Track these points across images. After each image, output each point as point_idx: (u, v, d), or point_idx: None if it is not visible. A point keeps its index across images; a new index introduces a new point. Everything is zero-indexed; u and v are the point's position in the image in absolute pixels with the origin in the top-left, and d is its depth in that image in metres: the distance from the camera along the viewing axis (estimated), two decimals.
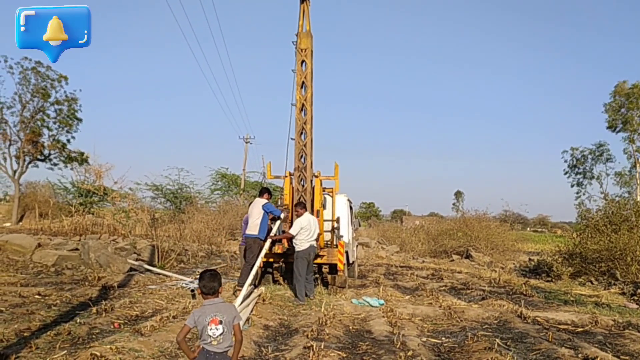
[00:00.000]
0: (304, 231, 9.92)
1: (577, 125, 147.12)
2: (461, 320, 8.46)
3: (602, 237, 15.55)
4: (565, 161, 50.47)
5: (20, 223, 29.87)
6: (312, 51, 11.62)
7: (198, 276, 3.98)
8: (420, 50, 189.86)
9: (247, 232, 10.23)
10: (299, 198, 11.12)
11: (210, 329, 3.73)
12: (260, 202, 10.35)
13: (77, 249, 14.36)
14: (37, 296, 8.95)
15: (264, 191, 10.75)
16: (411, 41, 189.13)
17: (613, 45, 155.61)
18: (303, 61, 11.55)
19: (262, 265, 11.15)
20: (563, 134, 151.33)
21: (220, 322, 3.75)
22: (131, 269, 13.09)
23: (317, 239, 10.24)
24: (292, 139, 11.38)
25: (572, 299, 11.63)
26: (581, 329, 8.04)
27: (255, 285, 10.40)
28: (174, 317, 7.48)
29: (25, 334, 6.29)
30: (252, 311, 8.15)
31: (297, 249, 9.98)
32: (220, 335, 3.73)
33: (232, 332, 3.82)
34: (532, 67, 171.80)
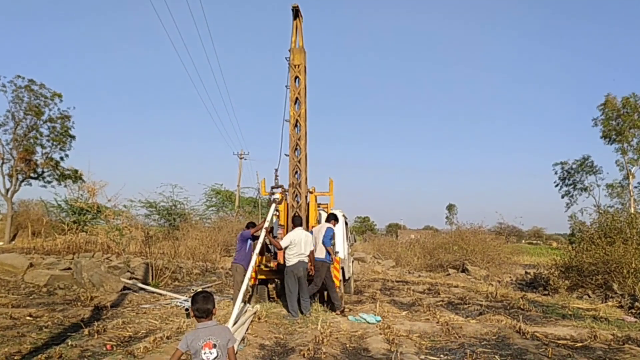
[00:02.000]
0: (293, 246, 9.92)
1: (570, 138, 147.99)
2: (459, 337, 8.36)
3: (597, 250, 15.53)
4: (556, 173, 51.36)
5: (13, 242, 29.63)
6: (305, 67, 11.63)
7: (190, 299, 3.85)
8: (415, 64, 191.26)
9: (316, 255, 10.26)
10: (295, 214, 11.06)
11: (204, 353, 3.63)
12: (324, 227, 10.54)
13: (69, 268, 14.19)
14: (28, 317, 8.81)
15: (332, 217, 10.92)
16: (405, 56, 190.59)
17: (600, 59, 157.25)
18: (296, 77, 11.56)
19: (256, 282, 11.11)
20: (556, 146, 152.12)
21: (215, 346, 3.66)
22: (125, 288, 12.93)
23: (308, 256, 10.13)
24: (286, 155, 11.34)
25: (570, 312, 11.55)
26: (580, 344, 7.95)
27: (247, 302, 10.30)
28: (167, 338, 7.36)
29: (15, 358, 6.16)
30: (247, 330, 8.03)
31: (286, 264, 10.00)
32: (214, 358, 3.64)
33: (227, 356, 3.73)
34: (526, 76, 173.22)
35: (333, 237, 10.57)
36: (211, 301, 3.83)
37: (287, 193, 11.40)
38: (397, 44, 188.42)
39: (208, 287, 15.07)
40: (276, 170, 11.20)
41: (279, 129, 11.44)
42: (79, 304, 10.49)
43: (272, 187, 11.01)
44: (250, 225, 10.85)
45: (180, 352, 3.70)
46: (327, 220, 10.91)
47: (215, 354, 3.65)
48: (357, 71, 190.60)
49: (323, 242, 10.30)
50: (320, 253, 10.33)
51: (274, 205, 10.55)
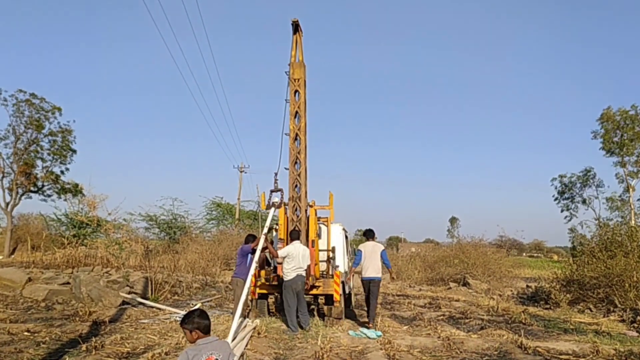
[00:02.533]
0: (291, 260, 9.92)
1: (569, 151, 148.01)
2: (461, 352, 8.30)
3: (598, 263, 15.46)
4: (555, 188, 51.42)
5: (13, 256, 29.55)
6: (305, 81, 11.67)
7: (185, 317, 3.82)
8: (414, 78, 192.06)
9: (374, 275, 10.70)
10: (294, 228, 11.04)
11: None
12: (379, 248, 10.98)
13: (68, 283, 14.12)
14: (26, 333, 8.75)
15: (372, 233, 11.29)
16: (404, 69, 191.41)
17: (600, 70, 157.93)
18: (296, 91, 11.59)
19: (255, 296, 11.08)
20: (555, 159, 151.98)
21: None
22: (123, 303, 12.86)
23: (306, 270, 10.12)
24: (285, 168, 11.34)
25: (571, 327, 11.48)
26: (583, 359, 7.89)
27: (246, 317, 10.25)
28: (166, 354, 7.30)
29: None
30: (246, 345, 7.97)
31: (284, 278, 9.99)
32: None
33: None
34: (526, 92, 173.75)
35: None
36: (208, 317, 3.81)
37: (287, 205, 11.37)
38: (400, 59, 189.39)
39: (208, 301, 14.99)
40: (276, 174, 11.20)
41: (279, 143, 11.47)
42: (77, 319, 10.42)
43: (272, 191, 11.00)
44: (250, 238, 10.81)
45: None
46: (365, 235, 11.52)
47: None
48: (358, 83, 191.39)
49: (385, 264, 10.87)
50: (377, 272, 10.73)
51: (272, 209, 10.57)
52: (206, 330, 3.75)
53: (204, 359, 3.60)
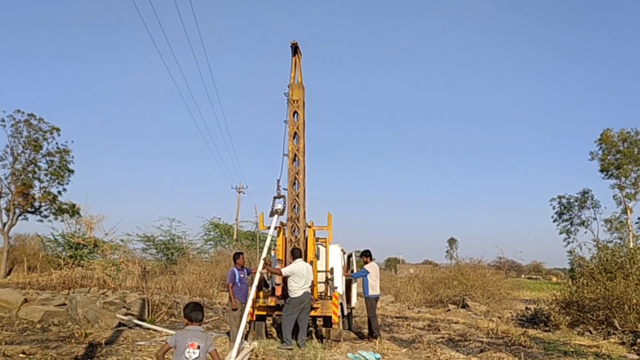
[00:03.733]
0: (298, 278, 9.95)
1: (567, 173, 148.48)
2: None
3: (598, 285, 15.42)
4: (554, 208, 51.41)
5: (9, 276, 29.33)
6: (304, 102, 11.77)
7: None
8: (413, 100, 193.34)
9: (376, 292, 12.45)
10: (294, 247, 11.01)
11: (188, 352, 4.32)
12: (377, 268, 12.83)
13: (64, 304, 14.00)
14: (21, 355, 8.65)
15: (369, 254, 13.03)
16: (403, 91, 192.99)
17: (599, 92, 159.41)
18: (295, 112, 11.67)
19: (253, 318, 11.02)
20: (553, 180, 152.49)
21: (198, 347, 4.37)
22: (120, 324, 12.74)
23: (311, 287, 10.17)
24: (284, 189, 11.36)
25: (571, 349, 11.40)
26: None
27: (244, 338, 10.16)
28: None
29: None
30: None
31: (290, 295, 10.02)
32: (195, 358, 4.33)
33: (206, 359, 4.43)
34: (525, 112, 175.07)
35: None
36: (201, 312, 4.70)
37: (285, 226, 11.37)
38: (399, 81, 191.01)
39: (205, 323, 14.86)
40: (278, 180, 11.25)
41: (278, 164, 11.51)
42: (73, 341, 10.30)
43: (274, 197, 11.02)
44: (236, 256, 10.96)
45: (168, 346, 4.52)
46: (367, 255, 13.00)
47: (197, 355, 4.34)
48: (357, 105, 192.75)
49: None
50: (378, 290, 12.49)
51: (275, 216, 10.58)
52: (195, 321, 4.58)
53: (188, 343, 4.37)
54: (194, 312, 4.60)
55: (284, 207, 10.89)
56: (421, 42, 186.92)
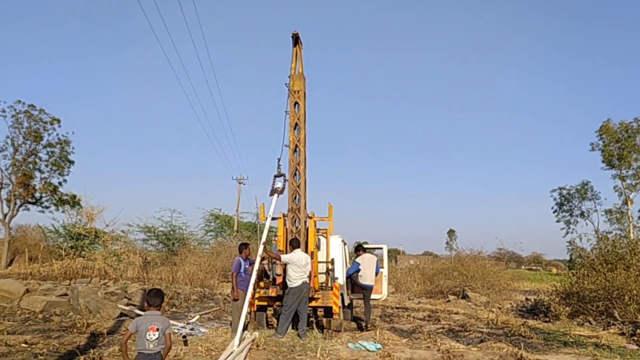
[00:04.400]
0: (295, 267, 10.00)
1: (567, 164, 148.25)
2: None
3: (598, 276, 15.44)
4: (555, 199, 51.41)
5: (10, 267, 29.42)
6: (305, 93, 11.73)
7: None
8: (414, 90, 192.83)
9: (365, 282, 12.78)
10: (293, 237, 11.03)
11: (149, 335, 4.84)
12: (374, 260, 13.15)
13: (66, 295, 14.06)
14: (23, 345, 8.69)
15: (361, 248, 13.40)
16: (404, 81, 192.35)
17: (599, 84, 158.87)
18: (296, 103, 11.64)
19: (255, 308, 11.06)
20: (553, 172, 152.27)
21: (157, 330, 4.89)
22: (122, 314, 12.80)
23: (310, 277, 10.20)
24: (286, 180, 11.34)
25: (571, 340, 11.44)
26: None
27: (245, 329, 10.21)
28: None
29: None
30: (245, 358, 7.92)
31: (289, 285, 10.07)
32: (155, 339, 4.87)
33: (165, 339, 4.96)
34: (525, 103, 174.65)
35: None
36: (161, 297, 5.20)
37: (286, 216, 11.38)
38: (400, 71, 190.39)
39: (206, 313, 14.92)
40: (279, 159, 11.25)
41: (279, 155, 11.47)
42: (75, 331, 10.36)
43: (275, 176, 11.02)
44: (242, 246, 11.01)
45: (130, 333, 4.97)
46: (366, 251, 13.28)
47: (156, 336, 4.87)
48: (358, 94, 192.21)
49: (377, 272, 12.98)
50: (372, 280, 12.85)
51: (275, 195, 10.59)
52: (154, 306, 5.09)
53: (149, 327, 4.87)
54: (152, 298, 5.10)
55: (284, 185, 10.89)
56: (422, 32, 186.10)
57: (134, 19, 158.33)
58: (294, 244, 10.46)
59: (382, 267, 14.32)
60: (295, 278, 10.02)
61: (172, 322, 12.11)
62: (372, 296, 13.99)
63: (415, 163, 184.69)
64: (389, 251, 15.24)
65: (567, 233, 50.30)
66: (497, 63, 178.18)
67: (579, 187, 49.61)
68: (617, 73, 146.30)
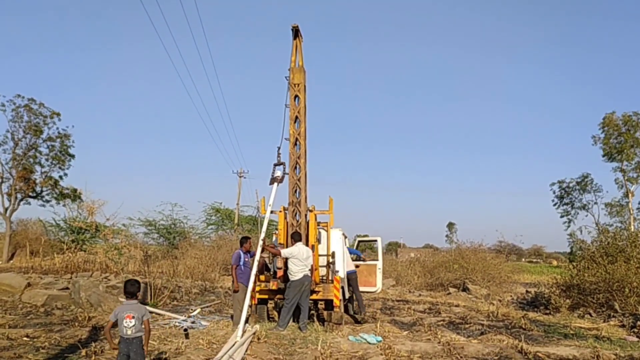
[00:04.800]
0: (296, 260, 10.06)
1: (568, 156, 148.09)
2: (461, 357, 8.28)
3: (598, 269, 15.46)
4: (554, 193, 51.34)
5: (11, 261, 29.45)
6: (305, 86, 11.69)
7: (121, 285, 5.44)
8: (414, 82, 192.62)
9: (351, 268, 12.93)
10: (295, 230, 11.03)
11: (125, 322, 5.26)
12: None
13: (67, 288, 14.08)
14: (25, 338, 8.71)
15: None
16: (404, 72, 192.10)
17: (600, 77, 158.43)
18: (296, 96, 11.61)
19: (255, 301, 11.08)
20: (554, 164, 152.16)
21: (133, 317, 5.28)
22: None
23: (311, 270, 10.23)
24: (286, 173, 11.33)
25: (571, 332, 11.47)
26: None
27: (245, 322, 10.23)
28: (166, 359, 7.27)
29: None
30: (246, 351, 7.94)
31: (291, 278, 10.13)
32: (132, 326, 5.26)
33: (142, 325, 5.34)
34: (526, 96, 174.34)
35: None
36: (136, 287, 5.56)
37: (287, 210, 11.38)
38: (399, 63, 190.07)
39: (207, 306, 14.95)
40: (279, 148, 11.28)
41: (279, 144, 11.44)
42: (76, 324, 10.39)
43: (274, 165, 11.03)
44: (243, 240, 11.04)
45: (111, 322, 5.36)
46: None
47: (133, 323, 5.26)
48: (357, 87, 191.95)
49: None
50: (351, 266, 13.01)
51: (275, 184, 10.61)
52: (130, 296, 5.49)
53: (125, 315, 5.29)
54: (128, 288, 5.51)
55: (284, 174, 10.90)
56: (423, 23, 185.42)
57: (134, 12, 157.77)
58: (295, 237, 10.49)
59: (378, 260, 14.46)
60: (297, 271, 10.07)
61: (173, 315, 12.19)
62: (367, 289, 14.06)
63: (415, 156, 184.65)
64: (389, 244, 15.32)
65: (569, 227, 50.25)
66: (498, 55, 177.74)
67: (579, 180, 49.51)
68: (622, 66, 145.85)
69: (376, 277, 14.35)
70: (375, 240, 16.07)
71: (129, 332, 5.25)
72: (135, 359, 5.30)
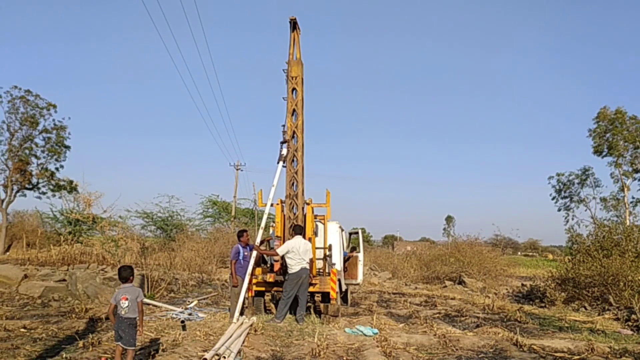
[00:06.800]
0: (293, 254, 10.10)
1: (566, 150, 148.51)
2: (457, 349, 8.33)
3: (594, 262, 15.54)
4: (553, 186, 51.28)
5: (8, 253, 29.42)
6: (302, 79, 11.67)
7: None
8: (412, 77, 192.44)
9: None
10: (297, 224, 11.05)
11: (122, 303, 5.88)
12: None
13: (64, 280, 14.09)
14: (22, 329, 8.73)
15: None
16: (402, 67, 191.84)
17: (598, 70, 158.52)
18: (294, 89, 11.59)
19: (252, 293, 11.12)
20: (552, 158, 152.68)
21: (127, 299, 5.90)
22: None
23: (309, 263, 10.26)
24: (283, 166, 11.34)
25: (566, 325, 11.54)
26: (577, 357, 7.94)
27: (242, 314, 10.27)
28: (163, 351, 7.29)
29: None
30: (243, 342, 7.98)
31: (289, 271, 10.19)
32: (126, 307, 5.88)
33: (137, 306, 5.95)
34: (524, 89, 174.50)
35: None
36: (129, 272, 6.13)
37: (284, 201, 11.40)
38: (398, 58, 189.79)
39: (204, 298, 14.98)
40: (283, 126, 11.41)
41: (276, 142, 11.49)
42: (73, 316, 10.40)
43: (281, 143, 11.24)
44: (240, 233, 11.00)
45: (113, 305, 5.98)
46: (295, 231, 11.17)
47: (127, 304, 5.89)
48: (356, 81, 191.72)
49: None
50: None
51: (281, 163, 10.68)
52: (124, 280, 6.10)
53: (120, 297, 5.92)
54: (122, 273, 6.11)
55: (288, 151, 11.04)
56: (421, 15, 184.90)
57: (132, 4, 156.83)
58: (296, 230, 10.53)
59: (359, 252, 14.53)
60: (293, 264, 10.13)
61: (170, 307, 12.22)
62: (349, 281, 14.04)
63: (413, 150, 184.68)
64: (385, 237, 15.32)
65: (567, 222, 50.16)
66: (497, 50, 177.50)
67: (579, 173, 49.33)
68: (622, 60, 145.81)
69: (357, 269, 14.28)
70: (357, 233, 16.06)
71: (123, 312, 5.87)
72: (124, 337, 5.87)
